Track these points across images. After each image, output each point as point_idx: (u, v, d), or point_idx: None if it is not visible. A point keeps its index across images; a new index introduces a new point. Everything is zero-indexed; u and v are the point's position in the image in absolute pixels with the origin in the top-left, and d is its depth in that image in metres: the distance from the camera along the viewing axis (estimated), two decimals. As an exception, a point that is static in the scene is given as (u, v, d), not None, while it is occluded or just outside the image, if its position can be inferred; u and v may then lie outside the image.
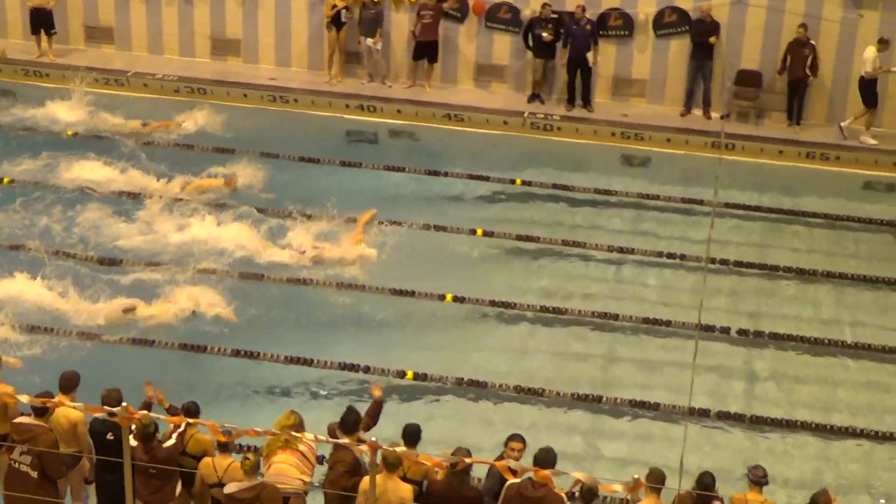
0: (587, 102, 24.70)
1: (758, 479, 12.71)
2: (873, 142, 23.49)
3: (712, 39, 24.00)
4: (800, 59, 23.51)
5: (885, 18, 23.71)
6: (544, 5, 24.25)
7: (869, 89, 23.43)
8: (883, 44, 23.12)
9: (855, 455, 15.63)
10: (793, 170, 23.16)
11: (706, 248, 18.38)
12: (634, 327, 17.86)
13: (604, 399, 16.23)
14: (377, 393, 13.11)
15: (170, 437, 12.43)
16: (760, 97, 24.33)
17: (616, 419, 16.04)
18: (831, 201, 22.00)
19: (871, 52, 23.16)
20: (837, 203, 21.93)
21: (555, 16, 24.26)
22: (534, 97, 24.88)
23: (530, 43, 24.62)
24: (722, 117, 24.03)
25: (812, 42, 23.52)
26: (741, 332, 17.83)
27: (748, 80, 24.38)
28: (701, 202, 21.24)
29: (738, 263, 19.61)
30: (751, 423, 16.00)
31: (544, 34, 24.25)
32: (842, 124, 23.62)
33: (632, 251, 19.76)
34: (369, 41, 24.91)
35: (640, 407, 16.11)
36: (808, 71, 23.56)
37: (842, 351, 17.63)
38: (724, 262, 19.51)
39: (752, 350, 17.66)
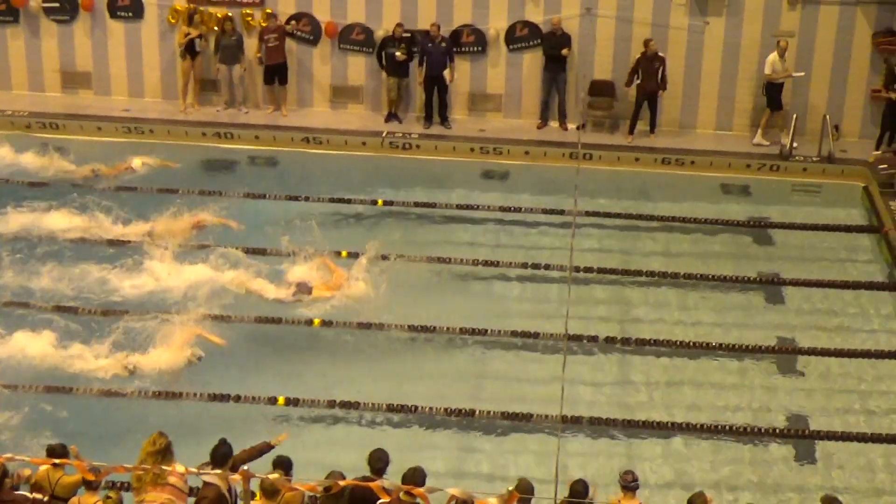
0: (445, 119, 24.80)
1: (628, 483, 12.82)
2: (766, 143, 23.92)
3: (564, 51, 24.28)
4: (651, 72, 23.88)
5: (728, 25, 24.25)
6: (397, 25, 24.30)
7: (773, 93, 23.90)
8: (780, 48, 23.62)
9: (729, 455, 15.87)
10: (650, 176, 23.51)
11: (569, 257, 18.53)
12: (503, 341, 17.91)
13: (476, 413, 16.24)
14: (280, 439, 12.94)
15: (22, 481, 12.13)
16: (615, 106, 24.68)
17: (489, 433, 16.07)
18: (689, 205, 22.37)
19: (772, 56, 23.66)
20: (695, 206, 22.31)
21: (407, 35, 24.33)
22: (391, 117, 24.90)
23: (384, 62, 24.65)
24: (578, 128, 24.32)
25: (662, 55, 23.90)
26: (609, 339, 18.01)
27: (601, 90, 24.71)
28: (562, 212, 21.43)
29: (602, 270, 19.84)
30: (623, 427, 16.15)
31: (397, 53, 24.30)
32: (754, 142, 24.06)
33: (496, 264, 19.83)
34: (238, 69, 24.79)
35: (514, 419, 16.16)
36: (659, 83, 23.95)
37: (708, 352, 17.90)
38: (588, 269, 19.72)
39: (620, 356, 17.85)
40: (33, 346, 17.08)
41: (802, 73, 24.01)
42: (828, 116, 23.69)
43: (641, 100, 24.15)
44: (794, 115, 23.77)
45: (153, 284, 18.83)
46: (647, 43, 23.79)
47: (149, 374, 16.76)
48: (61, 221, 20.56)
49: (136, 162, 23.04)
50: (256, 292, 18.84)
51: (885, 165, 22.68)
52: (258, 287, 18.91)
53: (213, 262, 19.25)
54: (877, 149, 23.62)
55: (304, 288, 18.83)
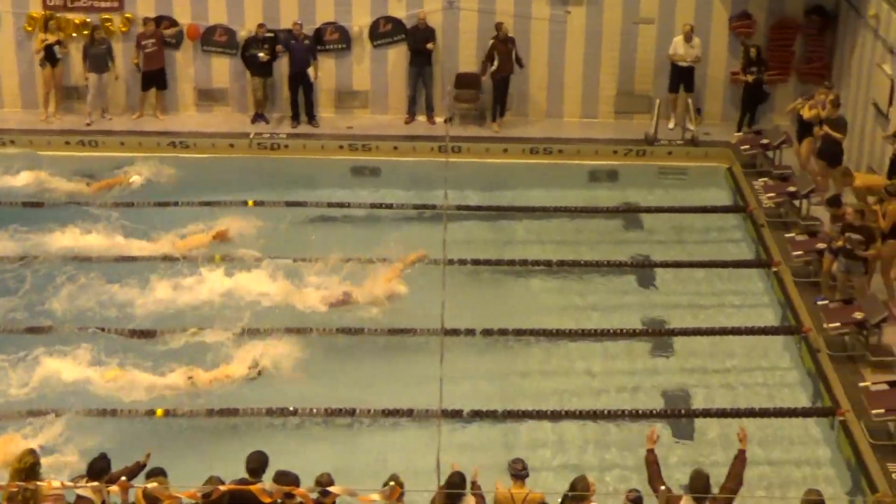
0: (312, 118, 24.68)
1: (517, 472, 12.91)
2: (693, 127, 24.15)
3: (429, 46, 24.32)
4: (506, 55, 24.00)
5: (589, 13, 24.50)
6: (259, 25, 24.12)
7: (678, 76, 24.16)
8: (685, 32, 23.94)
9: (610, 438, 16.04)
10: (519, 166, 23.66)
11: (442, 250, 18.53)
12: (380, 339, 17.88)
13: (357, 412, 16.20)
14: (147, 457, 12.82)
15: None
16: (481, 98, 24.79)
17: (372, 431, 16.05)
18: (559, 193, 22.60)
19: (677, 39, 24.04)
20: (565, 194, 22.54)
21: (270, 35, 24.15)
22: (258, 117, 24.69)
23: (248, 63, 24.44)
24: (445, 121, 24.37)
25: (511, 36, 24.02)
26: (486, 331, 18.06)
27: (467, 82, 24.79)
28: (434, 207, 21.44)
29: (476, 262, 19.90)
30: (504, 417, 16.25)
31: (260, 54, 24.11)
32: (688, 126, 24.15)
33: (370, 261, 19.78)
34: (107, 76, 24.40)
35: (394, 415, 16.16)
36: (515, 64, 24.09)
37: (585, 337, 18.08)
38: (462, 262, 19.76)
39: (498, 348, 17.93)
40: (70, 371, 16.72)
41: None
42: (690, 100, 24.07)
43: (498, 83, 24.28)
44: (658, 99, 24.10)
45: (191, 298, 18.59)
46: (498, 26, 23.92)
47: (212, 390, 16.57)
48: (66, 240, 20.16)
49: (133, 176, 22.60)
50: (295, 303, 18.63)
51: (747, 146, 23.11)
52: (299, 297, 18.69)
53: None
54: (738, 130, 24.06)
55: (347, 297, 18.65)
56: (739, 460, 12.82)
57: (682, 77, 24.29)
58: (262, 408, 16.17)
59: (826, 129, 21.18)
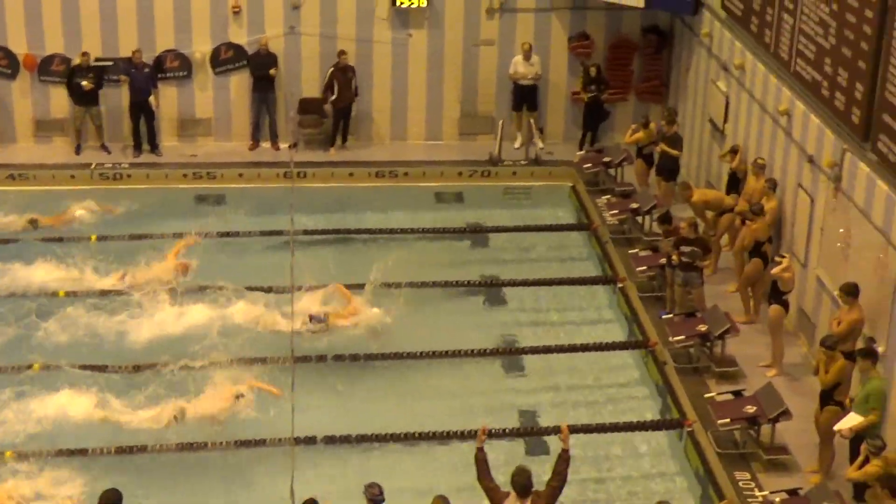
0: (154, 147, 24.37)
1: (375, 497, 12.88)
2: (541, 145, 24.31)
3: (272, 71, 24.22)
4: (346, 84, 24.05)
5: (431, 36, 24.67)
6: (82, 54, 23.74)
7: (521, 95, 24.43)
8: (524, 50, 24.21)
9: (466, 459, 16.06)
10: (365, 190, 23.64)
11: (290, 276, 18.39)
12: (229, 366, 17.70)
13: (209, 445, 16.02)
14: None
15: None
16: (325, 123, 24.74)
17: (223, 462, 15.88)
18: (407, 215, 22.68)
19: (516, 58, 24.34)
20: (413, 216, 22.63)
21: (97, 64, 23.76)
22: (79, 148, 24.21)
23: (72, 92, 23.98)
24: (290, 147, 24.27)
25: (351, 65, 24.11)
26: (337, 357, 18.01)
27: (311, 107, 24.74)
28: (280, 232, 21.30)
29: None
30: (359, 442, 16.21)
31: (84, 83, 23.70)
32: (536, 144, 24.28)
33: (220, 289, 19.55)
34: None
35: (247, 446, 16.01)
36: (355, 93, 24.18)
37: (437, 359, 18.11)
38: (311, 288, 19.64)
39: (348, 372, 17.89)
40: (74, 405, 16.59)
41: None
42: (532, 119, 24.37)
43: (339, 112, 24.31)
44: (501, 120, 24.36)
45: (158, 330, 18.39)
46: (340, 54, 23.95)
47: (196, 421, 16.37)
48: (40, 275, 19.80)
49: (78, 211, 22.04)
50: (270, 327, 18.47)
51: (589, 164, 23.47)
52: (271, 322, 18.54)
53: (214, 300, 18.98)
54: (580, 149, 24.45)
55: (318, 319, 18.54)
56: (563, 459, 12.99)
57: (524, 96, 24.58)
58: (111, 448, 15.92)
59: (663, 146, 21.71)
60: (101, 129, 24.30)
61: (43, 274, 19.89)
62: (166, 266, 19.93)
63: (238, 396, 16.72)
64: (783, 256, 17.53)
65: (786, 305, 17.44)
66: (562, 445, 13.11)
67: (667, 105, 24.16)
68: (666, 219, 19.54)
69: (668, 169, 21.82)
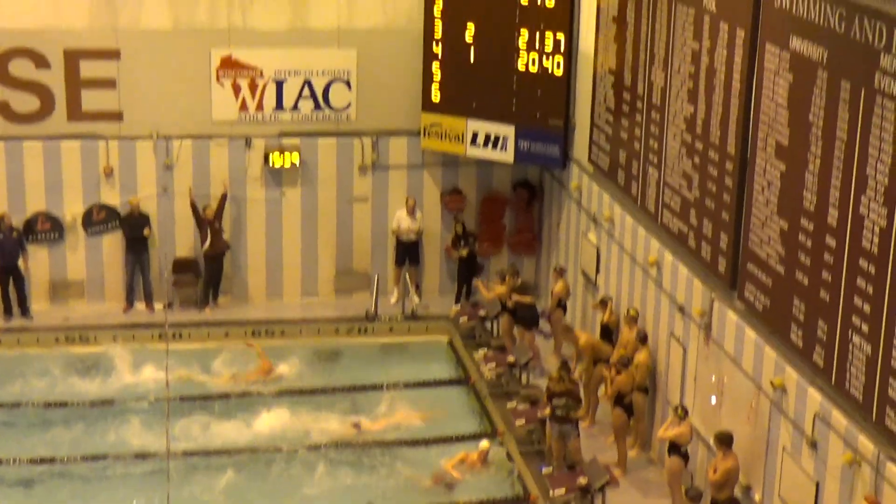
0: (25, 311, 23.97)
1: None
2: (417, 300, 24.39)
3: (145, 232, 24.09)
4: (217, 233, 24.01)
5: (304, 193, 24.78)
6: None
7: (409, 251, 24.67)
8: (408, 206, 24.49)
9: None
10: (240, 350, 23.32)
11: (166, 440, 18.09)
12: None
13: None
14: None
15: None
16: (199, 283, 24.60)
17: None
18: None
19: (399, 213, 24.59)
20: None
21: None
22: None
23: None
24: (165, 307, 24.04)
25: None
26: None
27: (185, 267, 24.62)
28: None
29: (207, 453, 19.65)
30: None
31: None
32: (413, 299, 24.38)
33: (105, 457, 19.27)
34: None
35: None
36: (225, 241, 24.24)
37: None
38: (189, 453, 19.36)
39: None
40: None
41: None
42: (408, 275, 24.50)
43: (212, 263, 24.24)
44: (377, 276, 24.47)
45: None
46: (204, 207, 23.96)
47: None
48: None
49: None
50: None
51: (465, 318, 23.62)
52: None
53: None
54: (456, 303, 24.61)
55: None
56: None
57: (407, 251, 24.77)
58: None
59: (515, 298, 22.09)
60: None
61: None
62: None
63: None
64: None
65: (685, 458, 17.49)
66: None
67: (539, 256, 24.52)
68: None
69: (528, 318, 22.17)
